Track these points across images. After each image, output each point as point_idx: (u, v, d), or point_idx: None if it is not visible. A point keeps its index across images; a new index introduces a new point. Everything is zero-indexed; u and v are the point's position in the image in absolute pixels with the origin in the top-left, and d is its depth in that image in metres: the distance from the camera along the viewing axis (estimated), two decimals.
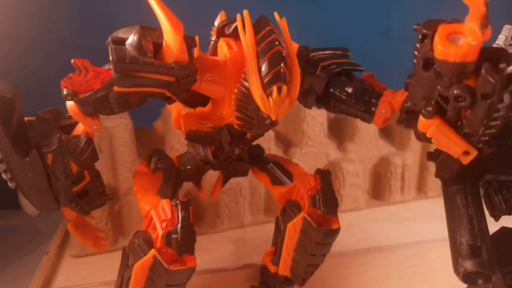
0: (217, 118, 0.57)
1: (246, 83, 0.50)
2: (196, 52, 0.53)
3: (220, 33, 0.55)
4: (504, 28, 0.56)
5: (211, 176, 0.95)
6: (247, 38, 0.48)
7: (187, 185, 0.97)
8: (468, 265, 0.48)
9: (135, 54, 0.47)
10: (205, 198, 0.72)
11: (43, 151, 0.52)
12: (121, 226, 0.95)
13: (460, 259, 0.49)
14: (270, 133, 1.05)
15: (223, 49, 0.53)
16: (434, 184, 1.23)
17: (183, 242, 0.52)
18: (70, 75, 0.51)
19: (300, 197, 0.64)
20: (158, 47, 0.49)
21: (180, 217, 0.53)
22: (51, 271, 0.83)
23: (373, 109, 0.56)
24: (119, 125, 0.92)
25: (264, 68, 0.46)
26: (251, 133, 0.56)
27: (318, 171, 0.63)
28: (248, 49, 0.47)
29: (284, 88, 0.46)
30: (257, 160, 0.70)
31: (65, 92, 0.50)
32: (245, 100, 0.51)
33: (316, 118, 1.11)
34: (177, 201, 0.54)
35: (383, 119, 0.56)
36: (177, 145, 0.99)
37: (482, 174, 0.56)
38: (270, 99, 0.46)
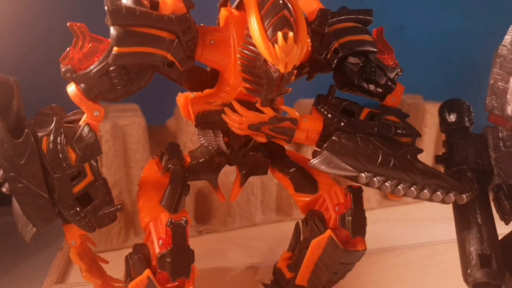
0: (225, 95, 0.55)
1: (250, 39, 0.48)
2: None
3: (223, 5, 0.54)
4: (510, 29, 0.55)
5: (226, 176, 0.95)
6: None
7: (200, 183, 0.98)
8: (478, 275, 0.47)
9: (131, 5, 0.46)
10: (223, 200, 0.68)
11: (39, 135, 0.48)
12: (134, 224, 0.96)
13: (469, 269, 0.48)
14: None
15: (224, 14, 0.53)
16: None
17: (176, 267, 0.50)
18: (68, 49, 0.50)
19: (325, 209, 0.61)
20: (155, 5, 0.48)
21: (173, 240, 0.51)
22: (66, 266, 0.84)
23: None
24: (133, 123, 0.94)
25: (266, 16, 0.45)
26: (261, 97, 0.53)
27: (350, 188, 0.59)
28: (249, 0, 0.46)
29: (290, 33, 0.44)
30: (278, 158, 0.66)
31: (63, 69, 0.49)
32: (251, 58, 0.49)
33: None
34: (172, 221, 0.51)
35: None
36: (189, 144, 1.00)
37: (491, 178, 0.55)
38: (276, 46, 0.44)
